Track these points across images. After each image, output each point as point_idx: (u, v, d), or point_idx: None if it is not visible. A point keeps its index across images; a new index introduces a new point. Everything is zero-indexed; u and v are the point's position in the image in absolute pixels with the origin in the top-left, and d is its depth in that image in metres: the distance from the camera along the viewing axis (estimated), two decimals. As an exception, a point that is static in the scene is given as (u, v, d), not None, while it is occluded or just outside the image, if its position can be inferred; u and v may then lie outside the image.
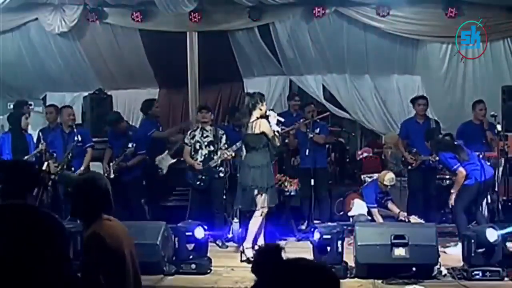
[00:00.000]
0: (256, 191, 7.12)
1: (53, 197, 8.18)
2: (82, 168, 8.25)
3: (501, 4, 9.34)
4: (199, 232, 6.85)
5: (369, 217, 8.12)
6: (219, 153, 8.08)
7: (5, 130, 9.26)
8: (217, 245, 7.91)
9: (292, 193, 8.32)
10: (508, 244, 6.92)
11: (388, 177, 8.20)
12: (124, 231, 3.37)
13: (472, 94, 9.91)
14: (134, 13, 9.90)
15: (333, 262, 6.37)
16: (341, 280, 2.41)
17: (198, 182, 8.16)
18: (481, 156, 7.92)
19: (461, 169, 7.50)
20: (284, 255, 2.47)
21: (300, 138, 8.85)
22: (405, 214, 8.16)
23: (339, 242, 6.56)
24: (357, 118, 10.92)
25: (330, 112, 10.26)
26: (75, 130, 8.39)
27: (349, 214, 8.40)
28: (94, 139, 8.85)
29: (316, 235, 6.64)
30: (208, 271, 6.78)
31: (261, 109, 7.20)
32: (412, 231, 6.67)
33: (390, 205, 8.36)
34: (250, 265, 2.58)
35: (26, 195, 3.21)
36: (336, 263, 6.41)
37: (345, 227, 7.14)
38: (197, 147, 8.20)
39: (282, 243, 7.82)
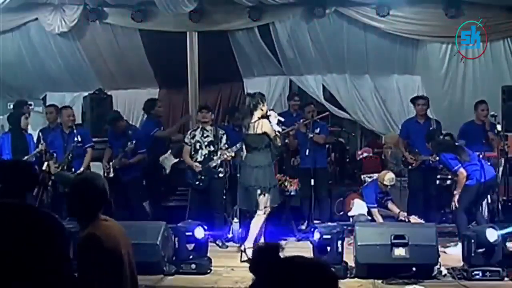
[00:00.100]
0: (259, 191, 7.14)
1: (53, 197, 8.18)
2: (82, 168, 8.24)
3: (501, 4, 9.34)
4: (199, 232, 6.85)
5: (369, 217, 8.12)
6: (219, 153, 8.08)
7: (5, 130, 9.26)
8: (217, 245, 7.91)
9: (292, 193, 8.32)
10: (508, 244, 6.92)
11: (388, 177, 8.20)
12: (121, 231, 3.35)
13: (472, 94, 9.92)
14: (134, 13, 9.90)
15: (333, 262, 6.36)
16: (341, 280, 2.41)
17: (197, 182, 8.16)
18: (481, 156, 7.92)
19: (461, 170, 7.50)
20: (282, 254, 2.47)
21: (300, 138, 8.86)
22: (405, 214, 8.16)
23: (339, 242, 6.56)
24: (357, 118, 10.92)
25: (330, 112, 10.26)
26: (75, 130, 8.38)
27: (349, 214, 8.40)
28: (94, 139, 8.84)
29: (316, 235, 6.64)
30: (208, 271, 6.78)
31: (262, 110, 7.22)
32: (412, 231, 6.67)
33: (390, 205, 8.36)
34: (251, 265, 2.58)
35: (26, 195, 3.21)
36: (336, 263, 6.41)
37: (345, 227, 7.14)
38: (197, 147, 8.20)
39: (282, 243, 7.87)
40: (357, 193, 8.60)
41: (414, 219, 7.96)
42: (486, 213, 8.18)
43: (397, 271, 6.29)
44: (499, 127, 8.21)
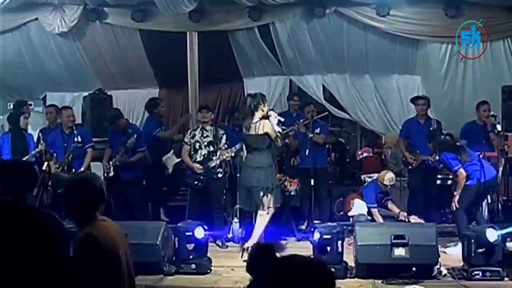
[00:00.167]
0: (261, 192, 7.14)
1: (53, 197, 8.17)
2: (82, 168, 8.23)
3: (501, 4, 9.34)
4: (199, 232, 6.86)
5: (369, 217, 8.12)
6: (218, 153, 8.08)
7: (5, 130, 9.27)
8: (217, 245, 7.91)
9: (292, 193, 8.32)
10: (508, 244, 6.92)
11: (388, 177, 8.20)
12: (118, 231, 3.34)
13: (472, 94, 9.93)
14: (134, 13, 9.90)
15: (333, 262, 6.37)
16: (341, 280, 2.43)
17: (195, 182, 8.16)
18: (481, 156, 7.92)
19: (461, 170, 7.50)
20: (279, 253, 2.48)
21: (300, 138, 8.85)
22: (405, 214, 8.16)
23: (339, 242, 6.56)
24: (357, 118, 10.92)
25: (329, 112, 10.25)
26: (75, 131, 8.38)
27: (349, 214, 8.40)
28: (94, 139, 8.83)
29: (316, 235, 6.64)
30: (208, 271, 6.78)
31: (263, 110, 7.25)
32: (412, 231, 6.67)
33: (390, 205, 8.36)
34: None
35: (26, 195, 3.20)
36: (336, 263, 6.42)
37: (345, 227, 7.15)
38: (197, 147, 8.20)
39: (282, 243, 7.88)
40: (357, 193, 8.60)
41: (414, 219, 7.96)
42: (486, 213, 8.18)
43: (397, 271, 6.29)
44: (499, 127, 8.21)
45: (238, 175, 8.09)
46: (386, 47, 10.19)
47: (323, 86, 10.95)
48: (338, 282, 6.13)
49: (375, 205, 8.21)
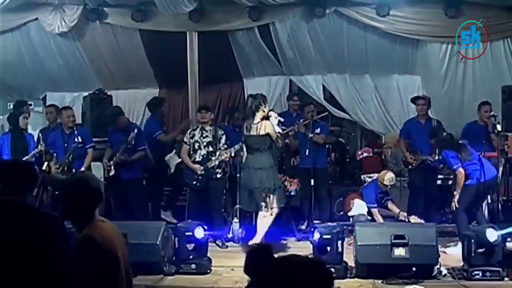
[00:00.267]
0: (264, 193, 7.15)
1: (53, 197, 8.17)
2: (82, 168, 8.23)
3: (501, 4, 9.34)
4: (199, 232, 6.86)
5: (369, 217, 8.12)
6: (217, 153, 8.08)
7: (5, 130, 9.26)
8: (217, 245, 7.91)
9: (292, 193, 8.32)
10: (508, 244, 6.92)
11: (388, 176, 8.20)
12: (116, 232, 3.33)
13: (472, 94, 9.93)
14: (134, 13, 9.90)
15: (333, 262, 6.38)
16: (341, 280, 2.43)
17: (194, 182, 8.16)
18: (482, 155, 7.91)
19: (460, 169, 7.50)
20: (279, 254, 2.49)
21: (300, 138, 8.85)
22: (405, 214, 8.16)
23: (339, 242, 6.57)
24: (357, 118, 10.92)
25: (329, 113, 10.25)
26: (75, 131, 8.37)
27: (349, 214, 8.40)
28: (94, 139, 8.83)
29: (316, 235, 6.65)
30: (208, 271, 6.78)
31: (264, 111, 7.27)
32: (412, 231, 6.68)
33: (390, 205, 8.36)
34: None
35: (26, 195, 3.20)
36: (336, 263, 6.42)
37: (345, 227, 7.16)
38: (196, 147, 8.20)
39: (282, 243, 7.89)
40: (357, 193, 8.60)
41: (414, 219, 7.96)
42: (486, 213, 8.18)
43: (397, 271, 6.29)
44: (499, 127, 8.21)
45: (238, 175, 8.09)
46: (386, 47, 10.18)
47: (323, 86, 10.94)
48: (338, 282, 6.16)
49: (375, 205, 8.21)
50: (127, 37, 10.59)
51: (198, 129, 8.27)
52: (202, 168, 8.07)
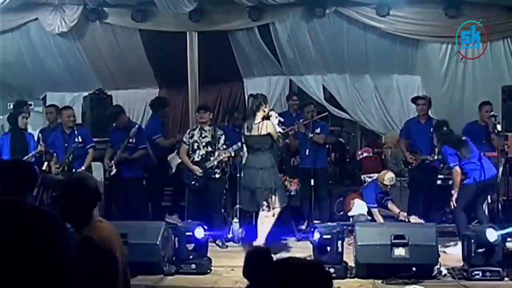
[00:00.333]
0: (266, 193, 7.15)
1: (53, 197, 8.16)
2: (83, 168, 8.22)
3: (501, 4, 9.34)
4: (199, 232, 6.86)
5: (369, 217, 8.12)
6: (216, 153, 8.08)
7: (5, 130, 9.26)
8: (217, 245, 7.91)
9: (292, 193, 8.32)
10: (508, 244, 6.92)
11: (388, 176, 8.20)
12: (114, 232, 3.33)
13: (472, 94, 9.93)
14: (134, 13, 9.90)
15: (333, 262, 6.38)
16: (341, 280, 2.43)
17: (192, 182, 8.16)
18: (482, 154, 7.90)
19: (456, 168, 7.51)
20: (278, 254, 2.50)
21: (300, 138, 8.85)
22: (405, 214, 8.16)
23: (339, 242, 6.57)
24: (357, 118, 10.92)
25: (329, 112, 10.25)
26: (76, 131, 8.37)
27: (349, 214, 8.40)
28: (94, 139, 8.82)
29: (316, 235, 6.64)
30: (208, 271, 6.79)
31: (264, 111, 7.28)
32: (412, 231, 6.68)
33: (390, 205, 8.36)
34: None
35: (26, 194, 3.20)
36: (336, 263, 6.43)
37: (345, 227, 7.15)
38: (195, 147, 8.20)
39: (282, 243, 7.89)
40: (357, 193, 8.61)
41: (414, 219, 7.96)
42: (486, 213, 8.17)
43: (397, 271, 6.29)
44: (499, 127, 8.21)
45: (238, 175, 8.09)
46: (386, 47, 10.18)
47: (323, 86, 10.94)
48: (338, 282, 6.15)
49: (375, 205, 8.21)
50: (127, 37, 10.59)
51: (197, 129, 8.27)
52: (200, 170, 8.06)
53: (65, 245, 3.12)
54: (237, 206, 8.20)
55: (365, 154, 10.69)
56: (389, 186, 8.26)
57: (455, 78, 10.15)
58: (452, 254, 7.27)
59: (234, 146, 8.07)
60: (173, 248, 6.94)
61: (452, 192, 7.63)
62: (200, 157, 8.15)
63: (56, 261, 3.00)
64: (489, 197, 8.12)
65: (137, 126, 8.54)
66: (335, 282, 2.46)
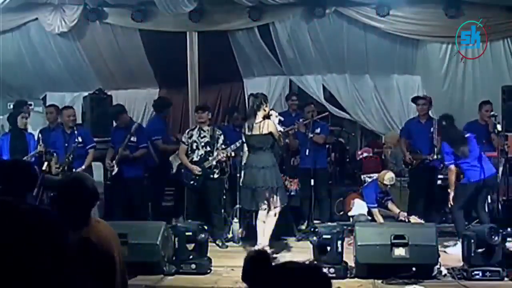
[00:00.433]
0: (267, 192, 7.15)
1: (50, 198, 8.15)
2: (83, 167, 8.21)
3: (501, 4, 9.34)
4: (199, 232, 6.85)
5: (369, 217, 8.13)
6: (214, 153, 8.08)
7: (5, 130, 9.26)
8: (217, 245, 7.91)
9: (292, 193, 8.33)
10: (508, 244, 6.91)
11: (388, 176, 8.20)
12: (112, 232, 3.32)
13: (472, 94, 9.93)
14: (134, 13, 9.90)
15: (333, 262, 6.38)
16: (341, 280, 2.43)
17: (191, 182, 8.16)
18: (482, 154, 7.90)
19: (451, 166, 7.52)
20: (278, 253, 2.51)
21: (300, 138, 8.86)
22: (405, 214, 8.16)
23: (339, 242, 6.57)
24: (357, 118, 10.92)
25: (329, 112, 10.25)
26: (76, 131, 8.37)
27: (349, 214, 8.41)
28: (94, 139, 8.83)
29: (316, 235, 6.64)
30: (208, 271, 6.79)
31: (265, 110, 7.29)
32: (412, 231, 6.68)
33: (390, 205, 8.36)
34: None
35: (26, 195, 3.20)
36: (336, 263, 6.43)
37: (345, 227, 7.15)
38: (194, 147, 8.20)
39: (282, 243, 7.88)
40: (357, 193, 8.61)
41: (414, 219, 7.96)
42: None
43: (397, 271, 6.29)
44: (499, 127, 8.20)
45: (238, 175, 8.09)
46: (386, 47, 10.18)
47: (323, 86, 10.94)
48: (338, 282, 6.15)
49: (375, 205, 8.21)
50: (127, 37, 10.59)
51: (196, 129, 8.27)
52: (199, 169, 8.06)
53: (65, 245, 3.11)
54: (237, 206, 8.21)
55: (365, 154, 10.69)
56: (389, 186, 8.27)
57: (455, 78, 10.15)
58: (452, 254, 7.27)
59: (232, 146, 8.08)
60: (173, 248, 6.94)
61: (449, 191, 7.63)
62: (199, 157, 8.15)
63: (56, 261, 2.99)
64: (489, 197, 8.12)
65: (137, 123, 8.54)
66: (335, 282, 2.47)
